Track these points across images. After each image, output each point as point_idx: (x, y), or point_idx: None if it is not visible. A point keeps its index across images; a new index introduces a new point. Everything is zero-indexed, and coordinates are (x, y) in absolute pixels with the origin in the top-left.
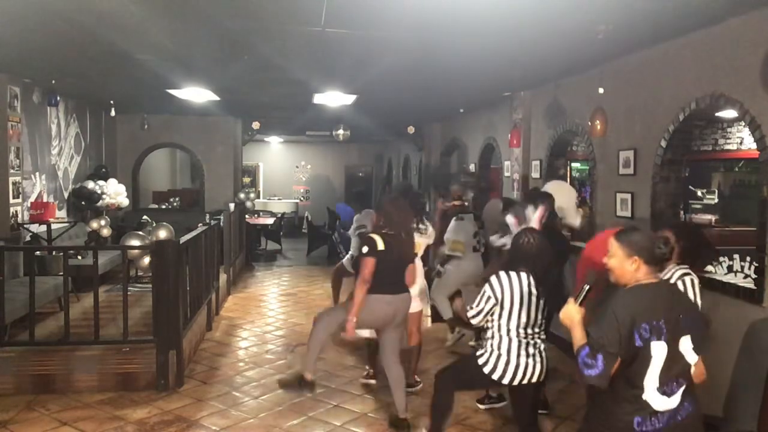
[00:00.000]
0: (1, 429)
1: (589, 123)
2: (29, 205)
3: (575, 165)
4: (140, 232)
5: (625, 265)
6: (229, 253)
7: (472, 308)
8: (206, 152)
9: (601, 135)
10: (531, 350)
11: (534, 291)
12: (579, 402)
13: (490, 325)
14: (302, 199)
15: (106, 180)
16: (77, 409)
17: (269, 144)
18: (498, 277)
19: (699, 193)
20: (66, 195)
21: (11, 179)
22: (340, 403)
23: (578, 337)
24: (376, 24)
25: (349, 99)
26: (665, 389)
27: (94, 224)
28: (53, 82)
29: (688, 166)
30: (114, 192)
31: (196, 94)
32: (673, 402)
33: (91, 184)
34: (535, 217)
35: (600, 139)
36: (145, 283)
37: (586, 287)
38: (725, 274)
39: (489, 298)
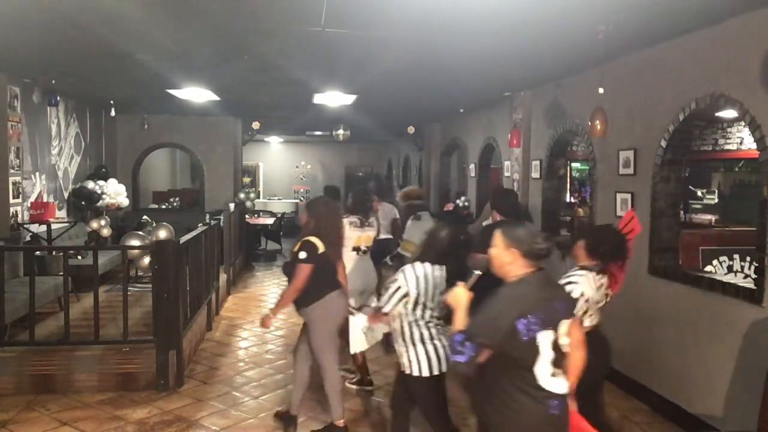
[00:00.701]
0: (1, 429)
1: (589, 123)
2: (29, 205)
3: (575, 165)
4: (140, 232)
5: (503, 256)
6: (229, 253)
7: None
8: (206, 152)
9: (601, 135)
10: (437, 340)
11: (440, 283)
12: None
13: (404, 325)
14: (302, 199)
15: (106, 180)
16: (77, 409)
17: (269, 144)
18: (408, 269)
19: (699, 193)
20: (66, 195)
21: (11, 179)
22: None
23: (459, 320)
24: (376, 24)
25: (349, 99)
26: (555, 373)
27: (94, 224)
28: (53, 82)
29: (688, 166)
30: (114, 192)
31: (196, 94)
32: (561, 386)
33: (91, 184)
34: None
35: (600, 139)
36: (145, 283)
37: (477, 273)
38: (725, 274)
39: (399, 287)
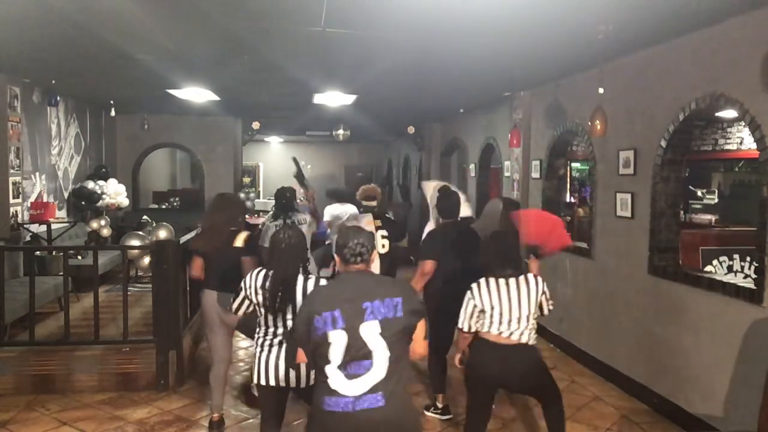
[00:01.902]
0: (1, 429)
1: (589, 123)
2: (29, 205)
3: (575, 165)
4: (140, 232)
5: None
6: None
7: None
8: (206, 152)
9: (601, 135)
10: (275, 351)
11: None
12: (579, 402)
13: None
14: (302, 199)
15: (106, 180)
16: (77, 409)
17: (269, 144)
18: (251, 275)
19: (699, 193)
20: (66, 195)
21: (11, 179)
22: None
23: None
24: (376, 24)
25: (349, 99)
26: (348, 373)
27: (94, 224)
28: (53, 82)
29: (688, 166)
30: (114, 192)
31: (196, 94)
32: (357, 387)
33: (91, 184)
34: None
35: (600, 139)
36: (145, 283)
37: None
38: (725, 274)
39: (241, 289)
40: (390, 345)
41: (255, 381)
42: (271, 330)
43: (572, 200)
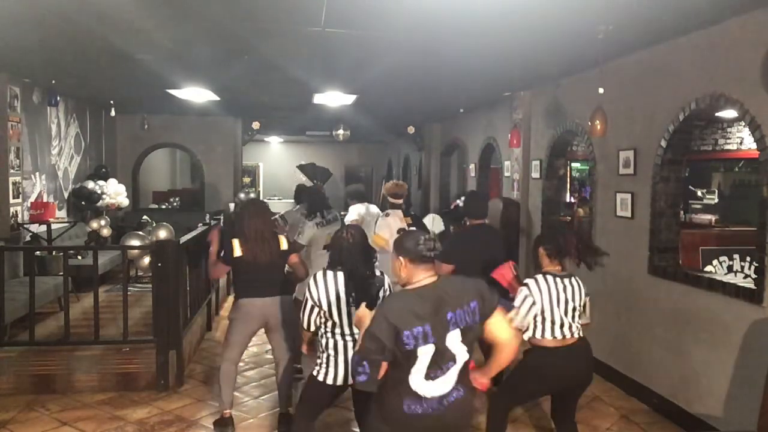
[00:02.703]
0: (1, 429)
1: (589, 123)
2: (29, 205)
3: (575, 165)
4: (140, 232)
5: (396, 266)
6: None
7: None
8: (206, 152)
9: (601, 135)
10: (349, 351)
11: (344, 290)
12: (579, 401)
13: (322, 331)
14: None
15: (106, 180)
16: (77, 409)
17: (269, 144)
18: (314, 279)
19: (699, 193)
20: (66, 195)
21: (11, 179)
22: (338, 403)
23: (360, 341)
24: (376, 24)
25: (349, 99)
26: (431, 377)
27: (94, 224)
28: (53, 82)
29: (688, 166)
30: (114, 192)
31: (196, 94)
32: (440, 388)
33: (91, 184)
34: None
35: (600, 139)
36: (145, 283)
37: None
38: (725, 274)
39: (307, 300)
40: (469, 349)
41: (321, 378)
42: (338, 331)
43: (572, 200)
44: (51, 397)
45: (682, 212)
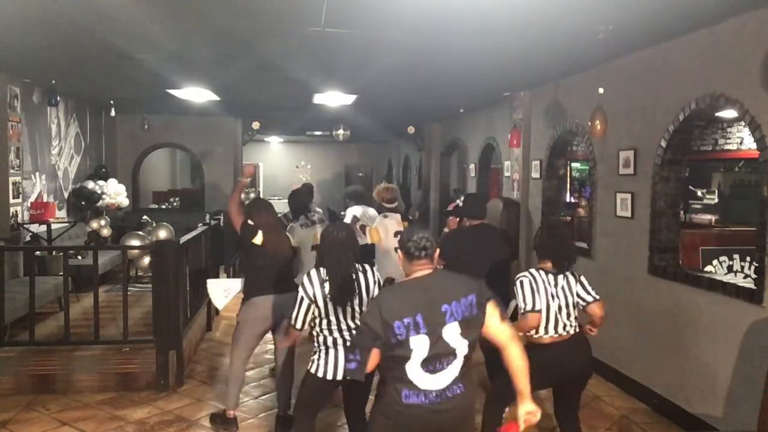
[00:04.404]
0: (1, 429)
1: (589, 123)
2: (29, 205)
3: (575, 165)
4: (140, 232)
5: (399, 258)
6: (229, 253)
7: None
8: (206, 152)
9: (601, 135)
10: (341, 347)
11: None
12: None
13: (317, 328)
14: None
15: (106, 180)
16: (77, 409)
17: (269, 144)
18: (308, 276)
19: (699, 193)
20: (66, 195)
21: (11, 179)
22: (339, 403)
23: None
24: (376, 24)
25: (349, 99)
26: (429, 369)
27: (94, 224)
28: (53, 82)
29: (688, 166)
30: (114, 192)
31: (196, 94)
32: (439, 381)
33: (91, 184)
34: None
35: (600, 139)
36: (145, 283)
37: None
38: (725, 274)
39: (302, 298)
40: (470, 343)
41: (318, 374)
42: (335, 327)
43: (572, 200)
44: (51, 397)
45: (682, 212)
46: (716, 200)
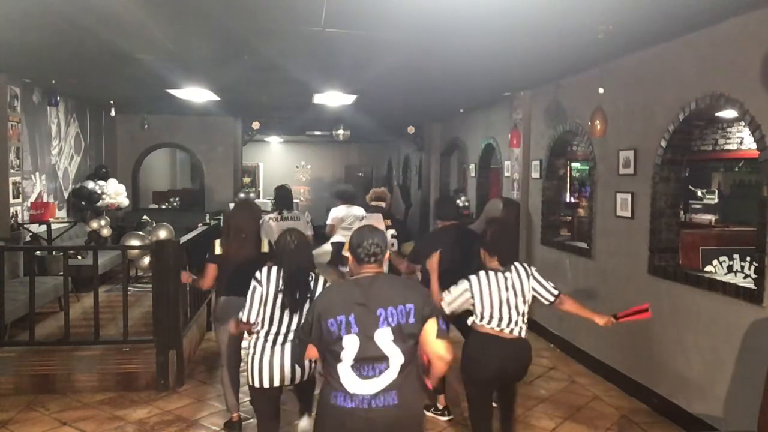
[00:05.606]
0: (1, 429)
1: (589, 123)
2: (29, 205)
3: (575, 165)
4: (140, 232)
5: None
6: None
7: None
8: (206, 152)
9: (601, 135)
10: (278, 351)
11: (278, 288)
12: (579, 402)
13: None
14: (302, 199)
15: (106, 180)
16: (77, 409)
17: (269, 144)
18: (268, 269)
19: (699, 193)
20: (66, 195)
21: (11, 179)
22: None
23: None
24: (376, 24)
25: (349, 99)
26: (360, 373)
27: (94, 224)
28: (53, 82)
29: (688, 166)
30: (114, 192)
31: (196, 94)
32: (368, 387)
33: (91, 184)
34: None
35: (600, 139)
36: (145, 283)
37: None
38: (725, 274)
39: (254, 288)
40: (404, 351)
41: (251, 383)
42: (275, 329)
43: (572, 200)
44: (51, 397)
45: (682, 212)
46: (716, 200)
